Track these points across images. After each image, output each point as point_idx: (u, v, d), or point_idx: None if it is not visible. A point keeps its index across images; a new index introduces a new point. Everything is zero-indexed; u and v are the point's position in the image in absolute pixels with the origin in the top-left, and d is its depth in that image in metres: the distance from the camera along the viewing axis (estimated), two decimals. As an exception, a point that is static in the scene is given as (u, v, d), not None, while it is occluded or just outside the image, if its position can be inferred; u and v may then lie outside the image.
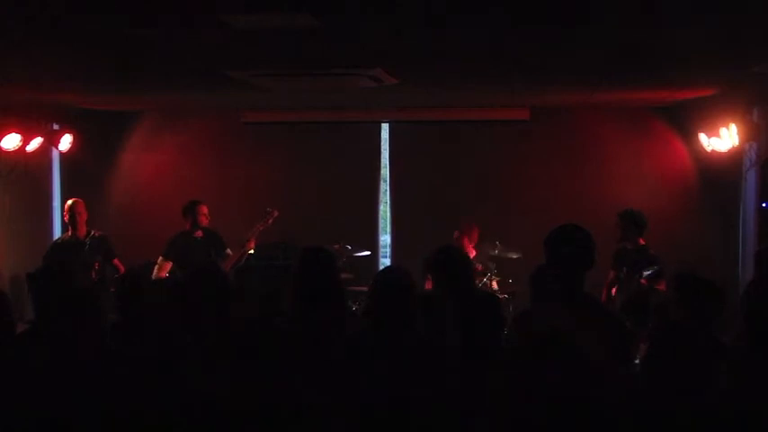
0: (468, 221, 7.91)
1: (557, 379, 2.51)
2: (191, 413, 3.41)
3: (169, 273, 7.15)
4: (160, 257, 7.28)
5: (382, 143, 9.66)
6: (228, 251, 7.37)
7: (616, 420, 2.72)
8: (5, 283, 7.79)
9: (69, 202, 7.47)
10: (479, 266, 7.58)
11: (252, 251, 7.40)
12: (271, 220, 7.47)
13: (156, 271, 7.19)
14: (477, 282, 6.92)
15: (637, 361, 3.83)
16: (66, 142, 8.39)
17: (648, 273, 6.33)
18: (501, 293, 7.56)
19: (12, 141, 7.75)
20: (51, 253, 7.42)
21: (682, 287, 3.92)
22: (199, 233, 7.35)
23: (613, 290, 6.90)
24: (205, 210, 7.38)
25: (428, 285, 5.60)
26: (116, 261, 7.37)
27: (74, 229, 7.35)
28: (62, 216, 9.00)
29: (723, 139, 7.79)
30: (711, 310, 3.74)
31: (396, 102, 8.74)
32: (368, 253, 8.75)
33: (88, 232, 7.36)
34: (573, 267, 3.40)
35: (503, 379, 3.00)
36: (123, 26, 4.31)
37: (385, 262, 9.66)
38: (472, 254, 7.70)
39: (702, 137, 8.14)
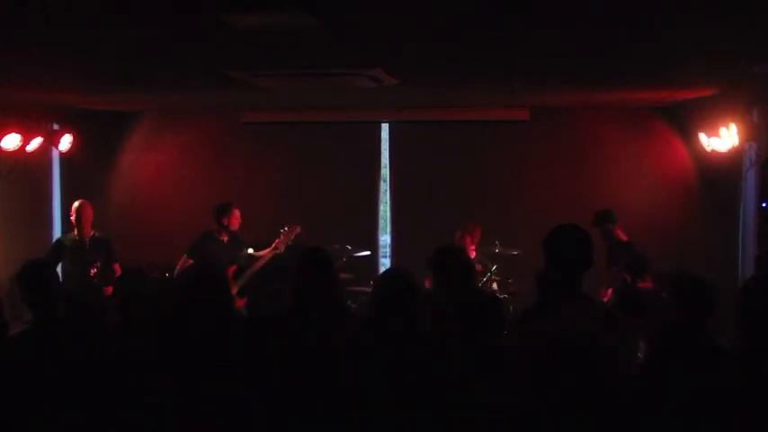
0: (471, 221, 7.91)
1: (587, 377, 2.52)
2: (191, 412, 3.41)
3: None
4: (185, 255, 7.21)
5: (382, 143, 9.67)
6: (247, 251, 7.37)
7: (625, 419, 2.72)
8: (4, 283, 7.80)
9: (77, 203, 7.47)
10: (480, 267, 7.58)
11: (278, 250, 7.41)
12: (294, 236, 7.46)
13: (179, 268, 7.16)
14: (477, 282, 6.91)
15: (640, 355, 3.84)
16: (66, 142, 8.40)
17: (622, 263, 6.33)
18: (501, 294, 7.56)
19: (12, 141, 7.76)
20: (52, 251, 7.45)
21: (674, 286, 3.93)
22: (225, 237, 7.32)
23: (609, 290, 6.91)
24: (238, 213, 7.36)
25: (427, 283, 5.61)
26: (116, 265, 7.35)
27: (78, 229, 7.37)
28: (62, 216, 9.04)
29: (723, 139, 7.79)
30: (703, 307, 3.74)
31: (396, 102, 8.74)
32: (368, 253, 8.76)
33: (90, 233, 7.38)
34: (572, 267, 3.40)
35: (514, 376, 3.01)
36: (123, 26, 4.31)
37: (385, 262, 9.67)
38: (473, 254, 7.70)
39: (702, 137, 8.14)
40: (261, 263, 7.31)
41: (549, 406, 2.67)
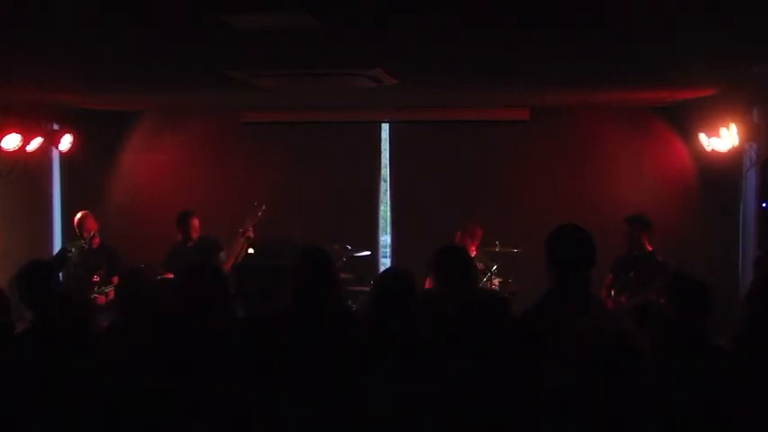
0: (471, 221, 7.92)
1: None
2: (191, 412, 3.41)
3: None
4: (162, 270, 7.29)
5: (382, 143, 9.66)
6: (222, 255, 7.45)
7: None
8: (5, 283, 7.81)
9: (78, 215, 7.51)
10: (481, 266, 7.57)
11: (250, 247, 7.46)
12: (260, 213, 7.54)
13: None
14: (478, 282, 6.90)
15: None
16: (66, 142, 8.41)
17: (656, 285, 6.36)
18: (501, 293, 7.54)
19: (12, 141, 7.76)
20: (56, 258, 7.51)
21: (671, 286, 3.93)
22: (190, 242, 7.51)
23: (612, 291, 6.90)
24: (196, 224, 7.54)
25: (427, 284, 5.60)
26: (115, 279, 7.34)
27: (82, 238, 7.41)
28: (62, 216, 9.05)
29: (723, 139, 7.79)
30: (703, 309, 3.74)
31: (396, 102, 8.74)
32: (368, 253, 8.75)
33: (92, 238, 7.40)
34: (574, 267, 3.40)
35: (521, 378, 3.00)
36: (123, 26, 4.31)
37: (385, 262, 9.66)
38: (473, 254, 7.69)
39: (702, 137, 8.14)
40: (237, 253, 7.43)
41: (549, 406, 2.66)
